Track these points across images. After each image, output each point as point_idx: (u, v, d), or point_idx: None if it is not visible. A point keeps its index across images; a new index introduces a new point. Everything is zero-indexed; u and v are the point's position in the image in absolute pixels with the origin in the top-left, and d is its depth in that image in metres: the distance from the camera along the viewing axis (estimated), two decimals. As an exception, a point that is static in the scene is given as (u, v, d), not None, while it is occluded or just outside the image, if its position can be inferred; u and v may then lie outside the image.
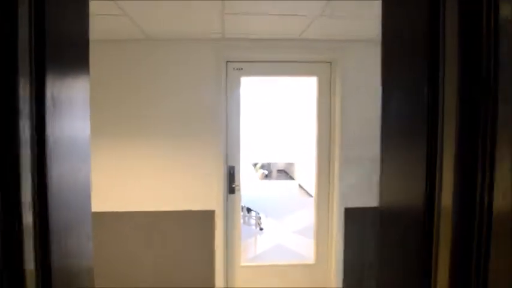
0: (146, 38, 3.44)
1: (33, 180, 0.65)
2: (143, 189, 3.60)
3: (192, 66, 3.57)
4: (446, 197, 0.67)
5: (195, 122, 3.59)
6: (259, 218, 6.64)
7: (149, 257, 3.66)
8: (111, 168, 3.57)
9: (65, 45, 0.82)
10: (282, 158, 11.68)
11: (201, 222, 3.67)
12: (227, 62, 3.66)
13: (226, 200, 3.77)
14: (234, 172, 3.78)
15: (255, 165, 10.75)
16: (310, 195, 7.59)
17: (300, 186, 10.28)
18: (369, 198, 3.62)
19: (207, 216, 3.67)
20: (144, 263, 3.66)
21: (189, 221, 3.67)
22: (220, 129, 3.64)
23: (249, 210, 6.72)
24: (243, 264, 3.95)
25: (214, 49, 3.56)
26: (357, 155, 3.64)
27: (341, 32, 3.34)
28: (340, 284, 3.79)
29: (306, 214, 6.81)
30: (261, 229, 6.48)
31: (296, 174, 11.51)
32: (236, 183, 3.81)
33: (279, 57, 3.70)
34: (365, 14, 2.79)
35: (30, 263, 0.68)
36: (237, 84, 3.75)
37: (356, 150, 3.64)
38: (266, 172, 11.39)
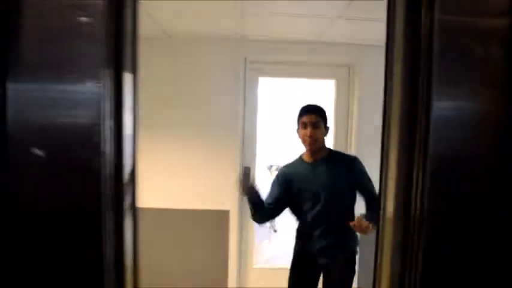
0: (166, 36, 3.46)
1: (115, 177, 0.67)
2: (158, 187, 3.62)
3: (210, 66, 3.58)
4: (390, 205, 0.73)
5: (212, 122, 3.60)
6: (274, 220, 6.62)
7: (162, 255, 3.67)
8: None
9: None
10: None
11: (215, 221, 3.68)
12: (246, 62, 3.66)
13: (241, 201, 3.77)
14: (249, 173, 3.77)
15: (270, 167, 10.70)
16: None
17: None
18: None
19: (222, 216, 3.67)
20: (156, 261, 3.68)
21: (204, 220, 3.68)
22: (237, 129, 3.64)
23: (263, 211, 6.69)
24: (255, 266, 3.93)
25: (234, 49, 3.56)
26: (374, 160, 3.59)
27: (361, 36, 3.31)
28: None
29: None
30: (275, 231, 6.46)
31: (311, 177, 11.41)
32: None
33: (297, 59, 3.68)
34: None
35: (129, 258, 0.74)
36: (255, 84, 3.74)
37: (373, 154, 3.59)
38: (281, 174, 11.31)
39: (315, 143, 2.49)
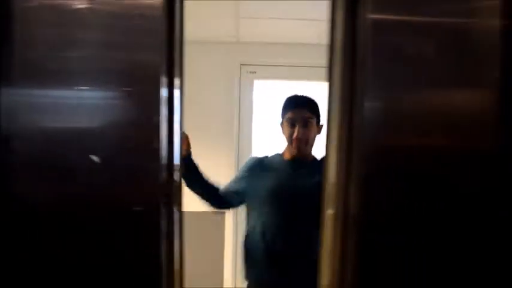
0: (161, 39, 3.46)
1: (167, 181, 0.69)
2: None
3: (205, 69, 3.57)
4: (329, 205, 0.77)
5: (207, 125, 3.60)
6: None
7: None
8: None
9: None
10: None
11: (211, 223, 3.67)
12: (241, 65, 3.67)
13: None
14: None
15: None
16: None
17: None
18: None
19: (217, 218, 3.67)
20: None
21: (199, 222, 3.67)
22: (232, 132, 3.65)
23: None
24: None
25: (229, 52, 3.56)
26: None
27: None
28: None
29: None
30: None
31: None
32: (247, 186, 3.76)
33: (293, 62, 3.69)
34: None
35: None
36: (250, 87, 3.75)
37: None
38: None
39: (304, 146, 1.89)
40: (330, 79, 0.75)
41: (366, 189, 0.70)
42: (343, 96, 0.72)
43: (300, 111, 1.88)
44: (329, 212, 0.74)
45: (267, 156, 2.07)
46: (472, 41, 0.70)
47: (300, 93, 2.03)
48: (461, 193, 0.70)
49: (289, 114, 1.89)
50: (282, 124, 1.97)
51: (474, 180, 0.70)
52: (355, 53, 0.70)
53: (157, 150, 0.63)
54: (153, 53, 0.63)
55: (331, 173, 0.74)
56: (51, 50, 0.62)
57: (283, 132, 1.95)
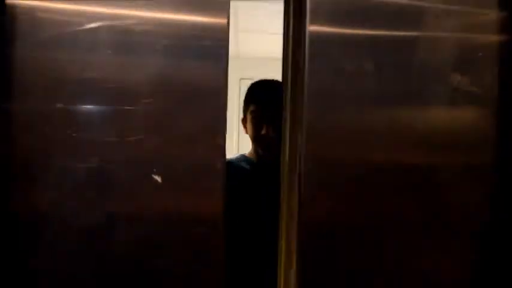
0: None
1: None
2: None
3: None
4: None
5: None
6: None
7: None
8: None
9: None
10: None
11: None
12: (241, 79, 3.68)
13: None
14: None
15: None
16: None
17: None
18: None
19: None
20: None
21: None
22: (232, 149, 3.63)
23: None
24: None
25: (229, 66, 3.56)
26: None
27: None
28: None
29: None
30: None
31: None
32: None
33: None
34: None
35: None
36: (250, 102, 3.74)
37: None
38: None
39: (273, 146, 1.27)
40: (285, 89, 0.80)
41: (313, 189, 0.77)
42: (292, 108, 0.77)
43: (267, 104, 1.39)
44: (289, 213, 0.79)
45: (231, 160, 1.53)
46: (414, 55, 0.74)
47: (267, 80, 1.53)
48: (394, 200, 0.77)
49: (253, 108, 1.43)
50: (244, 120, 1.51)
51: (406, 190, 0.77)
52: (304, 66, 0.74)
53: (222, 169, 0.71)
54: (221, 72, 0.72)
55: (285, 174, 0.79)
56: (120, 72, 0.64)
57: (246, 130, 1.51)
